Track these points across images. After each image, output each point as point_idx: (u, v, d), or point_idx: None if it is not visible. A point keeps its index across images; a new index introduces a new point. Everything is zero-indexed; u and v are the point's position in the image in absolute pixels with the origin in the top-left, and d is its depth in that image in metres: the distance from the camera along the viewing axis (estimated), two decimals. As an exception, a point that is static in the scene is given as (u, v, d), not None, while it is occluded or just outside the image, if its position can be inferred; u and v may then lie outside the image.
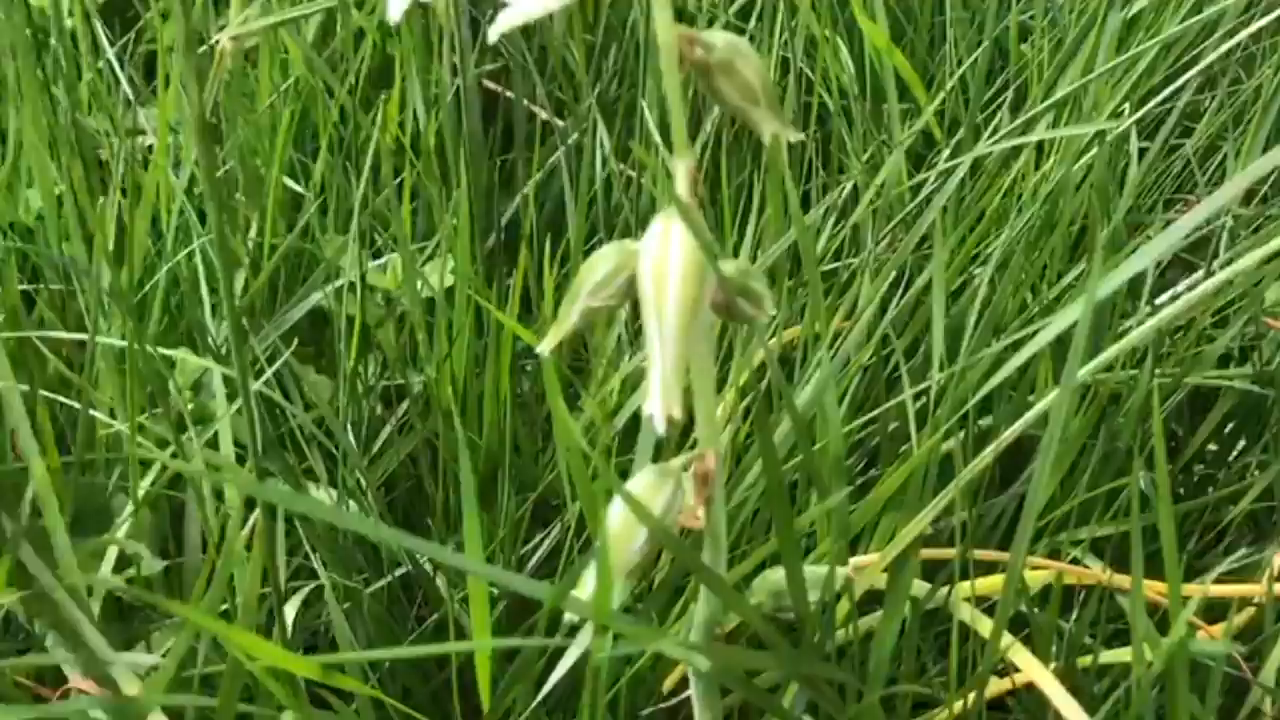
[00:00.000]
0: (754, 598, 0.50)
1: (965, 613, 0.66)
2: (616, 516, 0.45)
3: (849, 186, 0.96)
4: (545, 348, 0.46)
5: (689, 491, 0.46)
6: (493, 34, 0.39)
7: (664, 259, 0.40)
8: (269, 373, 0.78)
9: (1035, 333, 0.66)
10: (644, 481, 0.46)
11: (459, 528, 0.76)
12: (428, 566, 0.74)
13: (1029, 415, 0.63)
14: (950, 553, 0.66)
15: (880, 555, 0.65)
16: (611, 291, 0.45)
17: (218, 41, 0.81)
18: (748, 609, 0.48)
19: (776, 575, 0.51)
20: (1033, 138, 0.74)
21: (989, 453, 0.64)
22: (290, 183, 0.92)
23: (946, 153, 0.94)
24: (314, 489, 0.80)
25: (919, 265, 0.94)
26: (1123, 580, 0.70)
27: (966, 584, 0.67)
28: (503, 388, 0.72)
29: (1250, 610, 0.72)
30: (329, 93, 0.94)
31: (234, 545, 0.68)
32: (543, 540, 0.73)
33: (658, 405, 0.40)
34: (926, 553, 0.66)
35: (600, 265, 0.44)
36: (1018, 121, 0.74)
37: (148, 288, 0.79)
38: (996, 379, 0.59)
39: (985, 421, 0.81)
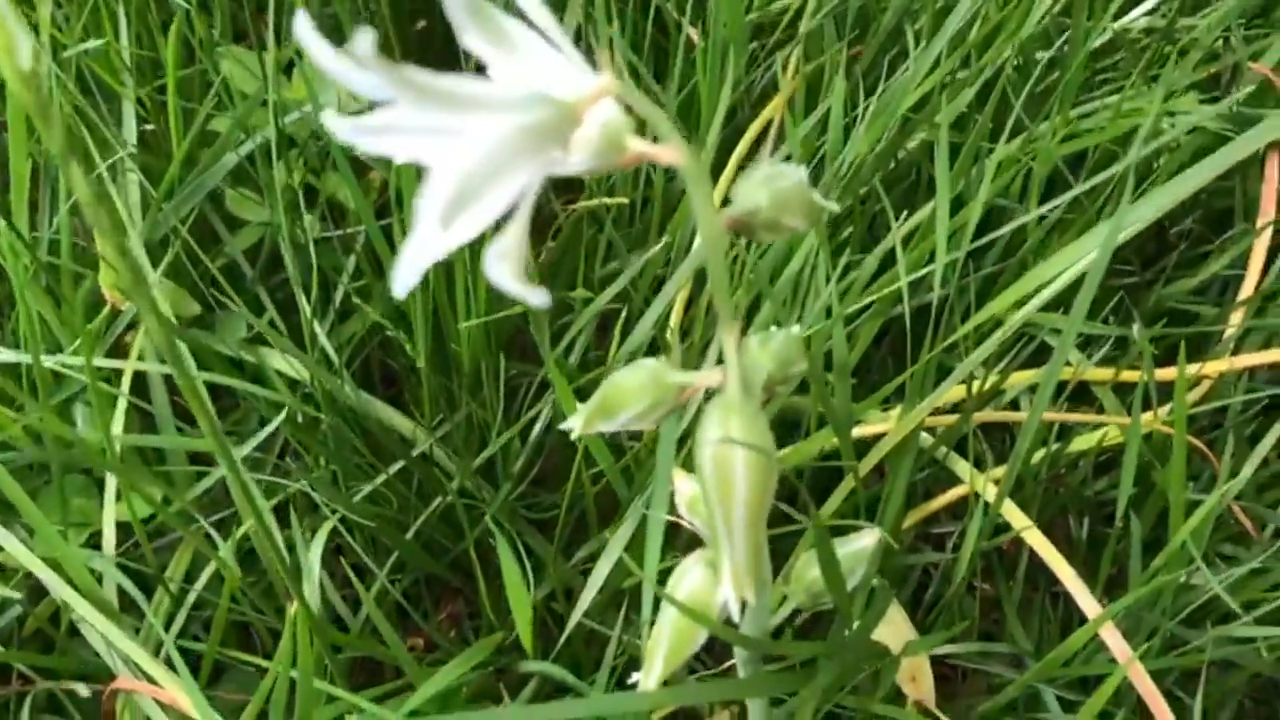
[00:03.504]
0: (792, 596, 0.51)
1: (964, 469, 0.68)
2: (672, 618, 0.45)
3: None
4: (577, 431, 0.43)
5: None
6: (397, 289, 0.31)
7: (727, 462, 0.37)
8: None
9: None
10: (696, 579, 0.45)
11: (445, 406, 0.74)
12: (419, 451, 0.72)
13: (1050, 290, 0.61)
14: (951, 419, 0.67)
15: (891, 432, 0.65)
16: (648, 420, 0.42)
17: None
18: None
19: (812, 574, 0.51)
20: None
21: (997, 338, 0.63)
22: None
23: None
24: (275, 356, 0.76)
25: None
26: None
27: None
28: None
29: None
30: None
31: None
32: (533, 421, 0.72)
33: (730, 591, 0.39)
34: (933, 420, 0.67)
35: (638, 398, 0.41)
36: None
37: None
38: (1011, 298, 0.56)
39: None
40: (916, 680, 0.68)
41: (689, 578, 0.45)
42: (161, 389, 0.71)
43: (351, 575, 0.68)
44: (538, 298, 0.28)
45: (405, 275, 0.30)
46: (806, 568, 0.51)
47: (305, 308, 0.73)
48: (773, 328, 0.46)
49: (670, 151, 0.32)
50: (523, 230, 0.28)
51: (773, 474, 0.37)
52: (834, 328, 0.60)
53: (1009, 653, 0.75)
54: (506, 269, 0.28)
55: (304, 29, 0.28)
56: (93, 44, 0.71)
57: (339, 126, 0.31)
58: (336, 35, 0.26)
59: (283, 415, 0.68)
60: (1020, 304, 0.61)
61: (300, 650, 0.50)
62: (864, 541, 0.53)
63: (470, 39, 0.31)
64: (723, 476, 0.37)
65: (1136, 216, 0.54)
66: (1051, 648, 0.74)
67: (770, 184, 0.35)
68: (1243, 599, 0.68)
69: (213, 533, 0.65)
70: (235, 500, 0.59)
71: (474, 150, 0.27)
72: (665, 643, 0.45)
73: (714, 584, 0.45)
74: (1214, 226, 0.84)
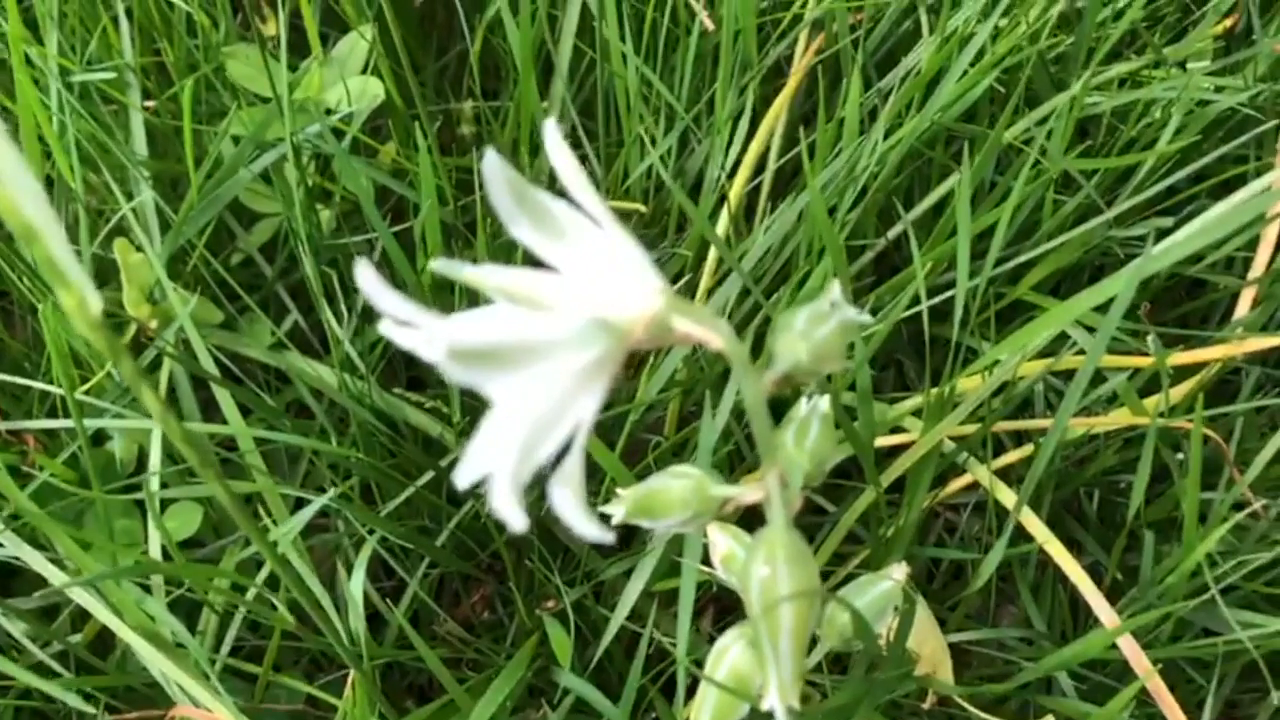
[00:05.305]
0: (825, 640, 0.53)
1: (983, 475, 0.70)
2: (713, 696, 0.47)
3: None
4: (617, 520, 0.45)
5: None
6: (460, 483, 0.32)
7: (775, 596, 0.38)
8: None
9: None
10: (736, 656, 0.47)
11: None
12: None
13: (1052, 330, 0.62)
14: (971, 429, 0.68)
15: (917, 444, 0.67)
16: (690, 526, 0.43)
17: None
18: None
19: (843, 620, 0.53)
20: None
21: (1009, 368, 0.64)
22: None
23: None
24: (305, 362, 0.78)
25: None
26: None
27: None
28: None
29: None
30: None
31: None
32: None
33: (778, 702, 0.41)
34: (956, 429, 0.68)
35: (682, 509, 0.42)
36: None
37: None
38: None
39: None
40: (937, 671, 0.71)
41: (730, 655, 0.48)
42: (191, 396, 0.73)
43: (379, 587, 0.70)
44: (600, 534, 0.29)
45: (466, 476, 0.32)
46: (837, 613, 0.53)
47: (332, 322, 0.74)
48: (803, 403, 0.47)
49: (714, 336, 0.33)
50: (581, 456, 0.29)
51: (817, 603, 0.39)
52: (856, 358, 0.62)
53: (1019, 624, 0.78)
54: (569, 495, 0.29)
55: (369, 280, 0.28)
56: (101, 75, 0.70)
57: (402, 338, 0.31)
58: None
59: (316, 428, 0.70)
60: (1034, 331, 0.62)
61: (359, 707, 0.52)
62: (889, 584, 0.55)
63: (519, 230, 0.32)
64: (769, 609, 0.38)
65: (1159, 263, 0.54)
66: (1061, 620, 0.77)
67: (809, 336, 0.36)
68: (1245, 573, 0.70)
69: (253, 590, 0.67)
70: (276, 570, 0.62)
71: (537, 400, 0.28)
72: (708, 715, 0.48)
73: (754, 662, 0.47)
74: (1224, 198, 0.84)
